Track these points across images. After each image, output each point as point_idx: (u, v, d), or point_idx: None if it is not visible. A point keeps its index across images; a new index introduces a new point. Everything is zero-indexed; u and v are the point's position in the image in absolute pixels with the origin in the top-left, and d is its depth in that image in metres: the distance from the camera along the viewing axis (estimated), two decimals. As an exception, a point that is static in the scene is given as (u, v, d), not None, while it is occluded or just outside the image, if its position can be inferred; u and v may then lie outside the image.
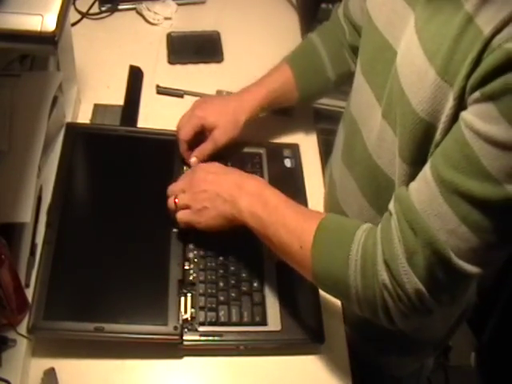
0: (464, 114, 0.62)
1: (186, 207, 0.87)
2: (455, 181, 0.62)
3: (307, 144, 1.08)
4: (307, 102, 1.10)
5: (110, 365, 0.81)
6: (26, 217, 0.79)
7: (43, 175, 0.91)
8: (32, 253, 0.85)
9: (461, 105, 0.63)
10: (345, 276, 0.70)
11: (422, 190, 0.66)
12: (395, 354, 1.05)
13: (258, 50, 1.22)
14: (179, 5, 1.27)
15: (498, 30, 0.58)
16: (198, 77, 1.16)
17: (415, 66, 0.69)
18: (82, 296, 0.82)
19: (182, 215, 0.87)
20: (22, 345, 0.77)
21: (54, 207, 0.88)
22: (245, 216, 0.80)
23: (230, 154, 1.00)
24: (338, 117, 1.02)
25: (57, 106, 0.93)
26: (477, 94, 0.60)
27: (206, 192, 0.84)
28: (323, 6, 1.27)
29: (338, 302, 0.91)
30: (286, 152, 1.05)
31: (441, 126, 0.66)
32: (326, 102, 1.30)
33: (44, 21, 0.61)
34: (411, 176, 0.72)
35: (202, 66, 1.19)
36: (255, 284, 0.87)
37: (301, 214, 0.78)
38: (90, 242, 0.87)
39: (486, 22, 0.59)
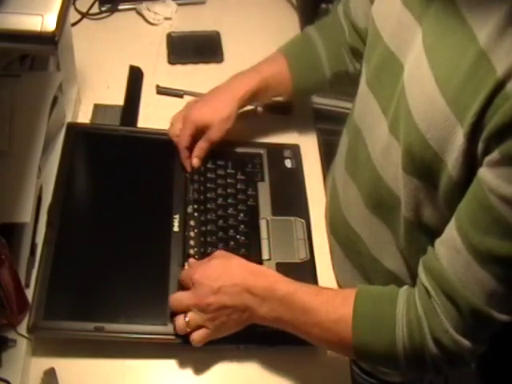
0: (485, 177, 0.61)
1: (200, 327, 0.79)
2: (488, 246, 0.62)
3: (307, 144, 1.08)
4: (300, 96, 1.08)
5: (110, 365, 0.81)
6: (26, 217, 0.78)
7: (43, 175, 0.91)
8: (32, 253, 0.85)
9: (471, 143, 0.62)
10: (393, 357, 0.71)
11: (455, 259, 0.65)
12: None
13: (258, 50, 1.21)
14: (179, 5, 1.27)
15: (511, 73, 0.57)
16: (198, 77, 1.16)
17: (424, 89, 0.67)
18: (82, 296, 0.83)
19: (199, 337, 0.79)
20: (22, 345, 0.77)
21: (54, 207, 0.88)
22: (269, 321, 0.78)
23: (230, 154, 1.00)
24: (338, 117, 1.02)
25: (57, 106, 0.93)
26: (496, 155, 0.59)
27: (219, 310, 0.77)
28: (323, 5, 1.27)
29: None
30: (287, 152, 1.05)
31: (453, 162, 0.65)
32: (326, 102, 1.31)
33: (44, 21, 0.61)
34: (415, 189, 0.72)
35: (201, 66, 1.19)
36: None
37: (330, 305, 0.74)
38: (90, 242, 0.87)
39: (500, 59, 0.58)
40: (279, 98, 1.05)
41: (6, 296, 0.74)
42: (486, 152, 0.61)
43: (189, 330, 0.78)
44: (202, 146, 0.97)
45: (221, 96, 0.98)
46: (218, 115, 0.96)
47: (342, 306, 0.74)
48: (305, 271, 0.90)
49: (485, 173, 0.62)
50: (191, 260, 0.86)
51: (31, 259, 0.84)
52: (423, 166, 0.70)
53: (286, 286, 0.76)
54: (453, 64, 0.64)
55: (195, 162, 0.97)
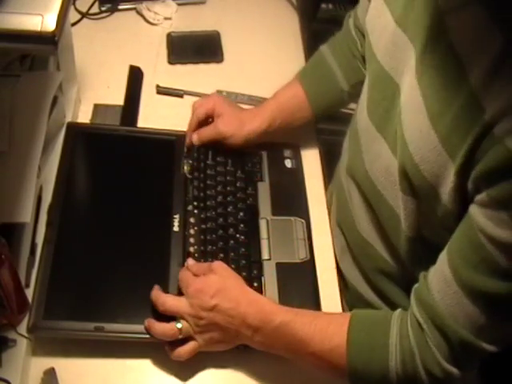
0: (475, 215, 0.62)
1: (191, 336, 0.79)
2: (478, 283, 0.63)
3: (307, 144, 1.08)
4: (323, 115, 1.06)
5: (110, 365, 0.81)
6: (26, 217, 0.78)
7: (43, 175, 0.91)
8: (32, 252, 0.85)
9: (462, 181, 0.64)
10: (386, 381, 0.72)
11: (445, 292, 0.66)
12: None
13: (258, 50, 1.22)
14: (179, 5, 1.27)
15: (499, 115, 0.58)
16: (198, 77, 1.16)
17: (418, 121, 0.68)
18: (82, 295, 0.83)
19: (187, 351, 0.78)
20: (22, 345, 0.77)
21: (54, 207, 0.88)
22: (261, 348, 0.79)
23: (230, 152, 1.00)
24: (338, 117, 1.02)
25: (57, 105, 0.93)
26: (484, 197, 0.61)
27: (211, 325, 0.77)
28: (323, 5, 1.27)
29: (338, 303, 0.92)
30: (287, 153, 1.05)
31: (446, 195, 0.66)
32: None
33: (44, 21, 0.61)
34: (416, 210, 0.73)
35: (201, 66, 1.19)
36: (255, 284, 0.87)
37: (324, 334, 0.74)
38: (90, 242, 0.87)
39: (489, 102, 0.59)
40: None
41: (5, 296, 0.74)
42: (476, 191, 0.62)
43: (180, 336, 0.77)
44: (206, 129, 0.98)
45: (242, 112, 1.00)
46: (232, 112, 0.98)
47: (336, 334, 0.74)
48: (305, 271, 0.90)
49: (475, 211, 0.63)
50: (190, 261, 0.84)
51: (31, 259, 0.84)
52: (421, 192, 0.71)
53: (280, 316, 0.76)
54: (445, 101, 0.64)
55: (195, 138, 0.98)
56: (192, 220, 0.91)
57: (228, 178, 0.98)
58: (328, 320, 0.77)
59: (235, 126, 0.97)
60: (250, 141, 0.98)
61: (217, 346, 0.80)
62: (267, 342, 0.77)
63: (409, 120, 0.70)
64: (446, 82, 0.65)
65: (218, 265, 0.81)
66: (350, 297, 0.95)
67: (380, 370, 0.71)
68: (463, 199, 0.65)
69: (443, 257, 0.68)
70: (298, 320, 0.75)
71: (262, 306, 0.77)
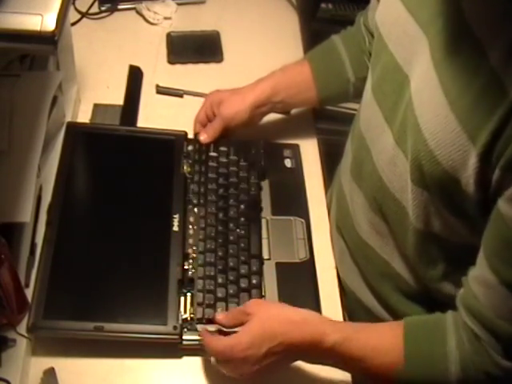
0: (504, 211, 0.62)
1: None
2: None
3: (307, 144, 1.08)
4: (326, 102, 1.06)
5: (110, 364, 0.81)
6: (26, 216, 0.78)
7: (43, 175, 0.91)
8: (32, 252, 0.85)
9: (485, 164, 0.62)
10: None
11: (491, 294, 0.66)
12: None
13: (258, 50, 1.22)
14: (179, 5, 1.27)
15: None
16: (198, 77, 1.16)
17: (434, 105, 0.67)
18: (82, 295, 0.83)
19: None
20: (22, 344, 0.77)
21: (53, 207, 0.88)
22: (312, 363, 0.78)
23: (231, 142, 1.00)
24: (338, 117, 1.02)
25: (57, 105, 0.93)
26: None
27: (266, 366, 0.73)
28: (323, 5, 1.27)
29: (338, 303, 0.92)
30: (287, 152, 1.05)
31: (466, 180, 0.65)
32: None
33: (44, 21, 0.61)
34: (426, 201, 0.72)
35: (201, 66, 1.19)
36: (254, 281, 0.87)
37: (377, 352, 0.73)
38: (90, 242, 0.87)
39: None
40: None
41: (5, 296, 0.74)
42: (503, 181, 0.61)
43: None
44: (213, 124, 0.98)
45: (242, 89, 1.00)
46: (232, 95, 0.98)
47: (391, 349, 0.72)
48: (304, 271, 0.90)
49: (504, 206, 0.62)
50: (219, 316, 0.78)
51: (31, 259, 0.84)
52: (433, 181, 0.70)
53: (333, 337, 0.72)
54: (464, 82, 0.63)
55: (202, 138, 0.98)
56: (191, 219, 0.91)
57: (231, 168, 0.97)
58: (381, 332, 0.75)
59: (238, 103, 0.97)
60: (256, 112, 0.98)
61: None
62: (319, 360, 0.76)
63: (423, 107, 0.69)
64: (464, 64, 0.64)
65: (252, 304, 0.77)
66: (348, 302, 0.94)
67: (440, 379, 0.71)
68: (485, 183, 0.64)
69: (481, 261, 0.67)
70: (352, 338, 0.73)
71: (312, 326, 0.73)
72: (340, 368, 0.77)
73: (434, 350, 0.71)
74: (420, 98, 0.70)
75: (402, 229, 0.79)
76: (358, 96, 0.99)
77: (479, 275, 0.68)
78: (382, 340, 0.74)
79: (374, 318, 0.89)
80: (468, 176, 0.64)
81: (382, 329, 0.77)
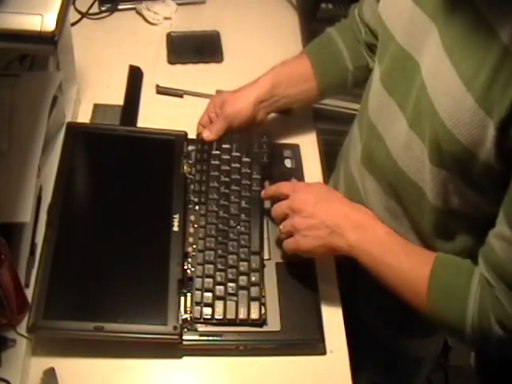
0: None
1: (290, 234, 0.83)
2: None
3: (307, 144, 1.08)
4: (326, 92, 1.06)
5: (110, 364, 0.81)
6: (26, 217, 0.79)
7: (43, 175, 0.91)
8: (32, 252, 0.85)
9: (504, 134, 0.65)
10: (461, 328, 0.73)
11: (509, 249, 0.69)
12: (419, 336, 1.07)
13: (258, 50, 1.22)
14: (179, 5, 1.27)
15: None
16: (198, 77, 1.16)
17: (449, 88, 0.69)
18: (82, 295, 0.83)
19: (286, 245, 0.84)
20: (22, 344, 0.77)
21: (53, 207, 0.88)
22: (355, 252, 0.79)
23: (234, 139, 1.00)
24: (338, 117, 1.02)
25: (57, 105, 0.93)
26: None
27: (310, 218, 0.81)
28: (323, 5, 1.27)
29: (338, 302, 0.91)
30: (287, 152, 1.04)
31: (486, 153, 0.68)
32: (326, 102, 1.30)
33: (44, 21, 0.61)
34: (445, 180, 0.74)
35: (201, 66, 1.19)
36: (253, 278, 0.86)
37: (415, 259, 0.78)
38: (90, 242, 0.87)
39: None
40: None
41: (5, 296, 0.74)
42: None
43: (283, 237, 0.84)
44: (216, 122, 0.99)
45: (244, 86, 1.00)
46: (234, 93, 0.99)
47: (426, 265, 0.76)
48: (304, 271, 0.90)
49: None
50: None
51: (31, 259, 0.84)
52: (452, 159, 0.72)
53: (384, 229, 0.79)
54: (477, 60, 0.66)
55: (205, 135, 0.99)
56: (192, 217, 0.91)
57: (233, 164, 0.97)
58: (416, 251, 0.80)
59: (240, 100, 0.98)
60: (259, 107, 0.98)
61: (314, 247, 0.81)
62: (363, 244, 0.78)
63: (437, 90, 0.71)
64: (476, 45, 0.66)
65: (316, 184, 0.89)
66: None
67: (458, 309, 0.73)
68: (505, 154, 0.66)
69: (500, 218, 0.70)
70: (397, 236, 0.79)
71: (367, 212, 0.81)
72: (371, 267, 0.79)
73: (459, 278, 0.74)
74: (433, 82, 0.72)
75: (419, 209, 0.82)
76: (355, 86, 1.02)
77: (498, 231, 0.71)
78: (418, 254, 0.78)
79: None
80: (488, 149, 0.67)
81: (417, 248, 0.81)
